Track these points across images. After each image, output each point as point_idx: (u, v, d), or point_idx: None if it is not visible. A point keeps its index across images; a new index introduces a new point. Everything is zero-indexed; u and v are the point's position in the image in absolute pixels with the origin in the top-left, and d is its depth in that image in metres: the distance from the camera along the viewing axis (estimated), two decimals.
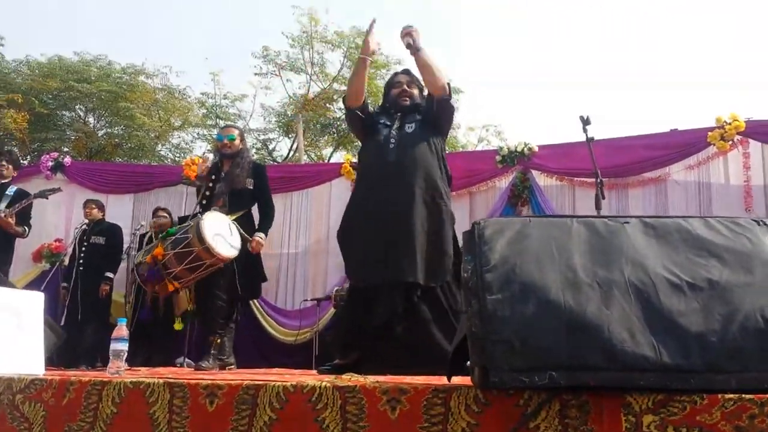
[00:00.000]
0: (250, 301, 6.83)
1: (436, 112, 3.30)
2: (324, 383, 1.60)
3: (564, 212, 6.54)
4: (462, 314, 1.54)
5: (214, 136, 4.55)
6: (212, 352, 3.92)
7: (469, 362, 1.54)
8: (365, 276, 3.10)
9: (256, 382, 1.69)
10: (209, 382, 1.75)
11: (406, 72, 3.54)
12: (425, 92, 3.40)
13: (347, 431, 1.53)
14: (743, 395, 1.23)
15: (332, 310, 6.52)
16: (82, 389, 1.92)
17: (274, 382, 1.66)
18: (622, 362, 1.27)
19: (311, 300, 6.77)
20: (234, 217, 4.10)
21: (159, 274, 3.87)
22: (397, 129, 3.28)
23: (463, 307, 1.47)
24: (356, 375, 1.83)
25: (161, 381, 1.82)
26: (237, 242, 3.99)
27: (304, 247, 7.32)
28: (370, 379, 1.65)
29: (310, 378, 1.73)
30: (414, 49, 3.24)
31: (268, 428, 1.62)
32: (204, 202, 4.24)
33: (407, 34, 3.26)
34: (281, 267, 7.30)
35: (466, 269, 1.45)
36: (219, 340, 4.00)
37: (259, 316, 6.96)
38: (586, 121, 3.68)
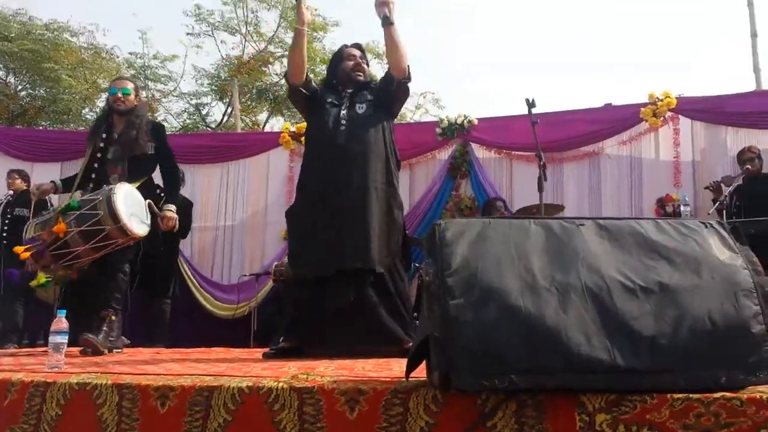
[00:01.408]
0: (186, 276, 6.74)
1: (393, 94, 3.22)
2: (280, 384, 1.59)
3: (502, 184, 6.67)
4: (422, 316, 1.55)
5: (108, 91, 4.12)
6: (104, 328, 3.47)
7: (426, 362, 1.57)
8: (316, 265, 3.01)
9: (210, 384, 1.66)
10: (161, 383, 1.71)
11: (358, 46, 3.41)
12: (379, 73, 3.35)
13: None
14: (690, 395, 1.29)
15: (271, 284, 6.49)
16: (24, 390, 1.85)
17: (228, 384, 1.63)
18: (578, 365, 1.31)
19: (249, 275, 6.70)
20: (136, 185, 3.68)
21: (44, 252, 3.40)
22: (347, 108, 3.17)
23: (424, 310, 1.48)
24: (312, 374, 1.81)
25: (109, 382, 1.77)
26: (147, 217, 3.65)
27: (242, 220, 7.23)
28: (328, 379, 1.64)
29: (266, 378, 1.70)
30: (389, 21, 3.09)
31: (223, 430, 1.60)
32: (96, 165, 3.77)
33: (383, 3, 3.10)
34: (217, 240, 7.20)
35: (428, 272, 1.46)
36: (114, 317, 3.56)
37: (195, 291, 6.86)
38: (531, 104, 3.71)
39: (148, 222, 3.63)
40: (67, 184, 3.89)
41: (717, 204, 4.69)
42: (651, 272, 1.42)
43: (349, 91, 3.26)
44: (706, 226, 1.54)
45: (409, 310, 3.10)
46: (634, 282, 1.40)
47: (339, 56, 3.41)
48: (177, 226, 3.84)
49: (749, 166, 5.14)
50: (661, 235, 1.50)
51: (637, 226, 1.54)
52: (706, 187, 5.38)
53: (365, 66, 3.35)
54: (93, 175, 3.75)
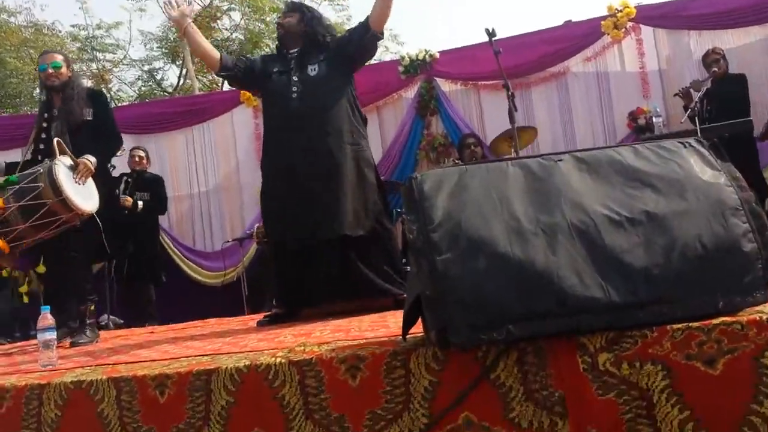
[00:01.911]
0: (169, 249, 6.69)
1: (364, 43, 3.11)
2: (278, 359, 1.57)
3: (472, 117, 6.60)
4: (411, 273, 1.52)
5: (37, 68, 3.81)
6: (88, 322, 3.39)
7: (421, 320, 1.55)
8: (292, 237, 3.00)
9: (207, 368, 1.63)
10: (157, 372, 1.68)
11: (285, 4, 3.38)
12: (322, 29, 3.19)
13: (309, 405, 1.51)
14: (690, 324, 1.28)
15: (255, 246, 6.45)
16: (20, 395, 1.82)
17: (225, 366, 1.61)
18: (574, 307, 1.29)
19: (232, 240, 6.63)
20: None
21: None
22: (298, 73, 3.08)
23: (412, 267, 1.45)
24: (309, 344, 1.80)
25: (104, 377, 1.74)
26: (95, 192, 3.43)
27: (215, 185, 7.10)
28: (325, 348, 1.62)
29: (263, 355, 1.68)
30: None
31: (227, 412, 1.58)
32: (42, 147, 3.53)
33: None
34: (194, 208, 7.09)
35: (411, 230, 1.42)
36: (92, 307, 3.47)
37: (180, 263, 6.79)
38: (492, 34, 3.63)
39: (96, 197, 3.42)
40: (11, 169, 3.67)
41: (689, 111, 4.66)
42: (635, 202, 1.39)
43: (294, 52, 3.17)
44: (685, 146, 1.51)
45: (397, 261, 3.09)
46: (619, 214, 1.37)
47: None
48: (88, 175, 3.45)
49: (715, 69, 5.11)
50: (641, 161, 1.46)
51: (615, 154, 1.49)
52: (676, 95, 5.35)
53: (285, 20, 3.22)
54: (39, 157, 3.53)
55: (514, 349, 1.37)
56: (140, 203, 5.78)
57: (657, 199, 1.40)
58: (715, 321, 1.27)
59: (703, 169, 1.46)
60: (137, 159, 6.08)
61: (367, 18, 3.11)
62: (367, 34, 3.09)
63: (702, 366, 1.26)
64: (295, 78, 3.06)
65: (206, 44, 3.26)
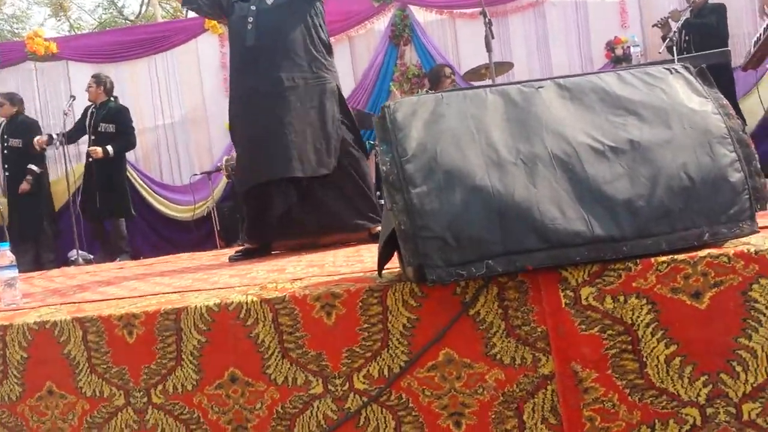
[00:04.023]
0: (136, 183, 6.54)
1: None
2: (250, 297, 1.51)
3: (447, 47, 6.44)
4: (385, 209, 1.46)
5: None
6: None
7: (397, 255, 1.50)
8: (251, 177, 2.91)
9: (176, 306, 1.57)
10: (123, 311, 1.62)
11: None
12: None
13: (284, 343, 1.47)
14: (676, 256, 1.24)
15: (225, 180, 6.35)
16: None
17: (195, 304, 1.55)
18: (556, 240, 1.25)
19: (201, 174, 6.50)
20: None
21: None
22: (257, 3, 2.91)
23: (387, 203, 1.39)
24: (281, 281, 1.74)
25: (68, 317, 1.66)
26: None
27: (181, 116, 6.89)
28: (298, 285, 1.57)
29: (233, 292, 1.63)
30: None
31: (199, 352, 1.53)
32: None
33: None
34: (159, 141, 6.89)
35: (384, 161, 1.35)
36: None
37: (147, 197, 6.65)
38: None
39: None
40: None
41: (667, 41, 4.57)
42: (619, 130, 1.33)
43: None
44: (671, 72, 1.44)
45: (371, 194, 3.02)
46: (602, 143, 1.31)
47: None
48: None
49: None
50: (626, 87, 1.40)
51: (599, 81, 1.42)
52: (654, 25, 5.25)
53: None
54: None
55: (494, 284, 1.33)
56: (110, 149, 5.63)
57: (641, 127, 1.34)
58: (701, 253, 1.23)
59: (689, 96, 1.40)
60: (86, 89, 5.87)
61: None
62: None
63: (688, 300, 1.23)
64: (252, 8, 2.90)
65: None
